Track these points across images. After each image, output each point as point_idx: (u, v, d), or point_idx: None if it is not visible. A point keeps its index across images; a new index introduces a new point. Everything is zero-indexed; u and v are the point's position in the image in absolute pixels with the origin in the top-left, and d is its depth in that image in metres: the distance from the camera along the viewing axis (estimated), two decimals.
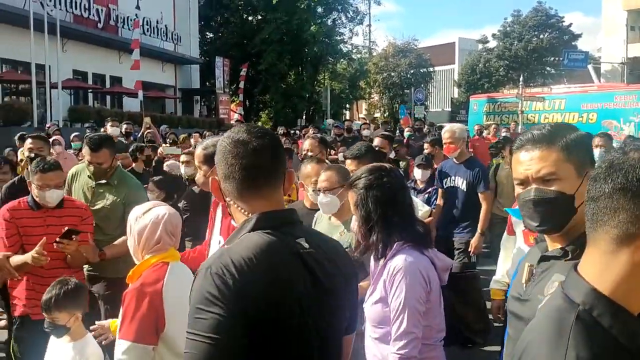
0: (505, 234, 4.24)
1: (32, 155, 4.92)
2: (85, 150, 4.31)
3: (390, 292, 2.47)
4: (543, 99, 18.95)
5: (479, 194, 5.77)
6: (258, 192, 1.70)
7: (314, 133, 11.88)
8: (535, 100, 19.09)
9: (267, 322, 1.52)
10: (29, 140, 5.15)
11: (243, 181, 1.68)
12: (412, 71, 44.49)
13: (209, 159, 3.04)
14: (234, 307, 1.47)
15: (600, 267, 1.03)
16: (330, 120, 23.35)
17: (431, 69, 46.64)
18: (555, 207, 1.63)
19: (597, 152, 5.56)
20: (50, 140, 7.65)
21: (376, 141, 6.34)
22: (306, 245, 1.68)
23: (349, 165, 4.10)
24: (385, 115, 43.50)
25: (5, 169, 5.30)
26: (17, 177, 5.01)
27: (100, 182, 4.29)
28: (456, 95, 54.19)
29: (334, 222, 3.61)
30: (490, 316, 3.92)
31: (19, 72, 22.17)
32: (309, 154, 5.28)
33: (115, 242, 3.97)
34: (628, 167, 1.01)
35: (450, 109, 50.40)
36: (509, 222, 4.18)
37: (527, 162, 1.70)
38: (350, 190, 2.66)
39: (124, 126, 11.40)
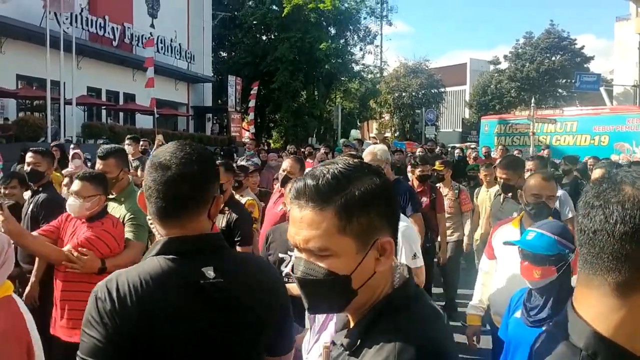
0: (483, 256, 4.03)
1: (29, 168, 4.93)
2: (97, 159, 4.31)
3: None
4: (555, 121, 18.95)
5: (408, 218, 5.27)
6: (174, 219, 1.61)
7: (324, 152, 11.93)
8: (546, 122, 19.08)
9: (146, 350, 1.48)
10: (29, 154, 5.15)
11: (158, 207, 1.61)
12: (423, 91, 44.64)
13: None
14: (112, 332, 1.46)
15: (600, 310, 0.97)
16: (343, 140, 23.41)
17: (442, 90, 46.76)
18: (326, 290, 1.21)
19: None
20: (70, 154, 7.75)
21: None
22: (211, 274, 1.56)
23: None
24: (395, 135, 43.53)
25: (14, 184, 5.28)
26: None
27: (108, 197, 4.21)
28: (467, 116, 54.24)
29: None
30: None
31: (34, 88, 22.45)
32: (285, 174, 4.97)
33: (122, 253, 3.79)
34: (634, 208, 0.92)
35: (461, 130, 50.45)
36: (488, 244, 3.94)
37: (296, 223, 1.23)
38: None
39: (140, 143, 11.49)
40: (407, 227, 3.78)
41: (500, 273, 3.61)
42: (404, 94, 44.62)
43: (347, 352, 1.23)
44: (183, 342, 1.50)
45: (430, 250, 6.70)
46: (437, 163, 7.69)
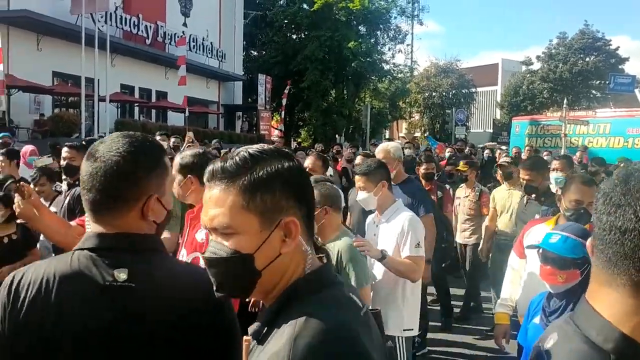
0: (513, 254, 3.95)
1: (64, 163, 5.05)
2: None
3: None
4: (587, 123, 18.64)
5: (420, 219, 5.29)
6: (99, 214, 1.51)
7: (352, 152, 11.95)
8: (579, 123, 18.78)
9: (28, 349, 1.40)
10: (64, 149, 5.26)
11: (85, 199, 1.53)
12: (453, 91, 44.29)
13: (183, 169, 3.13)
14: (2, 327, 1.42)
15: (623, 310, 0.95)
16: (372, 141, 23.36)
17: (473, 90, 46.33)
18: (231, 270, 1.20)
19: (554, 175, 5.36)
20: None
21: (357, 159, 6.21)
22: (122, 277, 1.43)
23: (358, 181, 4.00)
24: (425, 135, 43.30)
25: (42, 181, 5.39)
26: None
27: None
28: (498, 117, 53.61)
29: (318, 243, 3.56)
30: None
31: (69, 85, 22.93)
32: (311, 173, 5.14)
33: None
34: None
35: (492, 130, 49.86)
36: (518, 242, 3.87)
37: (206, 204, 1.24)
38: None
39: (172, 140, 11.64)
40: (413, 216, 3.85)
41: (529, 273, 3.54)
42: (434, 94, 44.36)
43: (255, 341, 1.20)
44: (71, 351, 1.39)
45: (446, 250, 6.67)
46: (461, 163, 7.63)
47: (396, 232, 3.75)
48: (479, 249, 7.00)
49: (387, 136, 39.19)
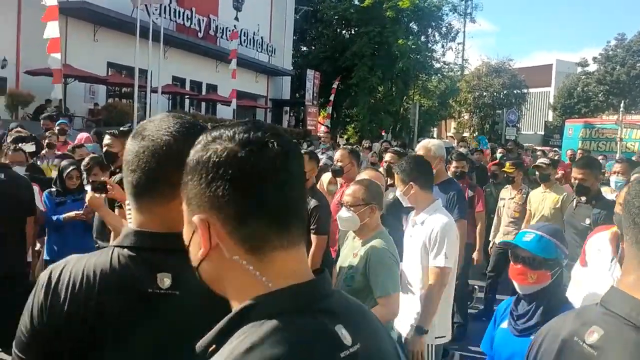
0: (577, 264, 3.71)
1: (104, 150, 5.16)
2: None
3: None
4: None
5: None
6: (140, 199, 1.39)
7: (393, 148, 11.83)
8: (636, 127, 18.17)
9: (73, 353, 1.30)
10: (106, 136, 5.36)
11: (127, 182, 1.41)
12: (505, 92, 43.43)
13: None
14: (37, 327, 1.31)
15: None
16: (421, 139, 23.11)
17: (525, 91, 45.32)
18: None
19: (615, 178, 5.10)
20: None
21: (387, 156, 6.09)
22: (166, 282, 1.31)
23: (395, 178, 3.94)
24: (474, 135, 42.61)
25: (96, 171, 5.46)
26: None
27: None
28: (550, 119, 52.37)
29: (356, 241, 3.47)
30: None
31: (123, 75, 23.47)
32: (339, 164, 5.25)
33: None
34: None
35: (543, 133, 48.76)
36: (582, 250, 3.65)
37: None
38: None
39: None
40: (448, 222, 3.68)
41: (589, 282, 3.34)
42: (485, 94, 43.58)
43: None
44: (112, 354, 1.29)
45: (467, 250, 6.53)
46: (507, 164, 7.46)
47: (426, 235, 3.64)
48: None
49: (435, 135, 38.72)
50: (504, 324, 2.64)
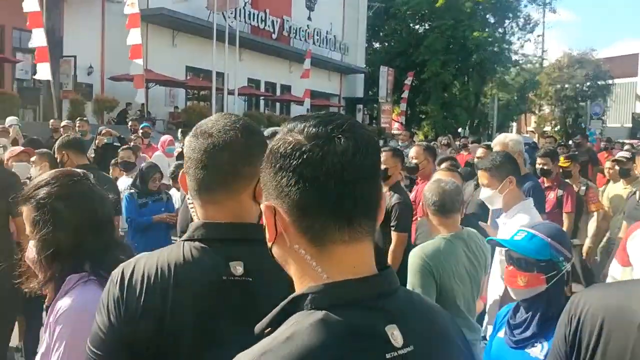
0: (614, 262, 3.46)
1: (180, 149, 5.30)
2: None
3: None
4: None
5: None
6: (211, 193, 1.42)
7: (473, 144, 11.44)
8: None
9: (152, 348, 1.32)
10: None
11: (195, 179, 1.43)
12: (588, 83, 41.54)
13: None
14: (115, 323, 1.33)
15: None
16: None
17: (610, 82, 43.16)
18: None
19: None
20: None
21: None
22: (239, 270, 1.34)
23: (480, 177, 3.65)
24: (556, 129, 40.98)
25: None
26: None
27: None
28: (638, 110, 49.74)
29: None
30: None
31: (201, 78, 24.05)
32: (414, 161, 5.14)
33: None
34: None
35: (630, 125, 46.42)
36: (621, 248, 3.38)
37: None
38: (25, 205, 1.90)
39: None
40: (531, 220, 3.32)
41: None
42: (566, 86, 41.82)
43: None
44: (191, 343, 1.32)
45: None
46: (561, 158, 6.95)
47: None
48: (583, 248, 6.33)
49: (514, 130, 37.50)
50: (501, 333, 2.40)
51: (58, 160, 4.32)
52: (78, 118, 11.07)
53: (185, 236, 1.42)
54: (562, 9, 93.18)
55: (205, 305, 1.33)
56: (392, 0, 37.86)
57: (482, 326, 3.53)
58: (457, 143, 14.00)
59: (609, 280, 3.45)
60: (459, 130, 35.01)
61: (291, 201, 0.97)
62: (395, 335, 0.95)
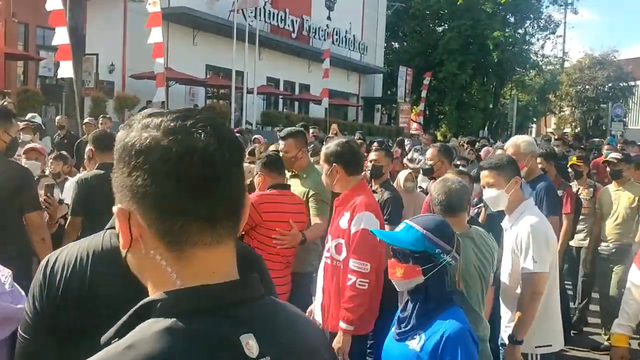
0: (634, 266, 3.44)
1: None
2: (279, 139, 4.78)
3: None
4: None
5: None
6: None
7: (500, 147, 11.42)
8: None
9: (65, 325, 1.41)
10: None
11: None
12: (609, 84, 41.01)
13: (328, 158, 3.48)
14: (40, 310, 1.42)
15: None
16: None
17: (633, 83, 42.57)
18: None
19: None
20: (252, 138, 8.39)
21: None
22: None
23: (486, 177, 3.58)
24: (576, 131, 40.56)
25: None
26: None
27: (291, 172, 4.58)
28: None
29: None
30: None
31: (220, 77, 24.21)
32: (429, 162, 5.22)
33: (312, 227, 4.16)
34: None
35: None
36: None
37: None
38: None
39: (312, 130, 11.96)
40: (538, 222, 3.35)
41: None
42: (587, 87, 41.34)
43: None
44: (106, 325, 1.16)
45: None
46: (573, 158, 6.92)
47: (516, 239, 3.35)
48: (582, 259, 6.48)
49: (534, 132, 37.17)
50: (394, 328, 2.45)
51: (85, 157, 4.35)
52: (101, 115, 11.26)
53: (108, 225, 1.49)
54: (583, 9, 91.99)
55: (120, 292, 1.24)
56: (412, 0, 37.79)
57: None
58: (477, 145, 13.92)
59: (628, 285, 3.44)
60: (480, 131, 34.83)
61: (147, 202, 0.89)
62: (250, 344, 0.88)
